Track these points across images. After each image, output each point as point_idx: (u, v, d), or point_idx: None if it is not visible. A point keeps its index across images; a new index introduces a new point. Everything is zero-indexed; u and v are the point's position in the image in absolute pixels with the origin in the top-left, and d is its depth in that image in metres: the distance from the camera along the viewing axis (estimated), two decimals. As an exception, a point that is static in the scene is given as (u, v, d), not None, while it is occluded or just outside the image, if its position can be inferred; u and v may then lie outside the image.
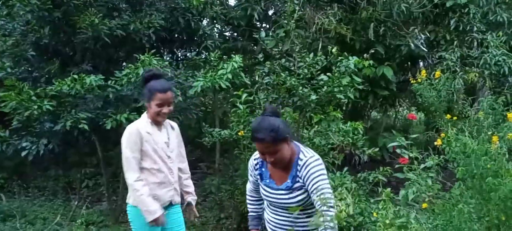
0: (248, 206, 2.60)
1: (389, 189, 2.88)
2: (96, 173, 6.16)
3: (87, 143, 5.65)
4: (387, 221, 2.41)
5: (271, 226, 2.43)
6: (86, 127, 4.21)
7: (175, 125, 3.11)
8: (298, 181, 2.26)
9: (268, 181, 2.35)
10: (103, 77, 4.36)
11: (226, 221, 5.13)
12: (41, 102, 4.16)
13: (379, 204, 2.75)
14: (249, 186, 2.57)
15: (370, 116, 8.49)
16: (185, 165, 3.16)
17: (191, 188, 3.17)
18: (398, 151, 3.75)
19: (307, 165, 2.23)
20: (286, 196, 2.29)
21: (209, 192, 5.56)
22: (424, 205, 2.56)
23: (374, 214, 3.12)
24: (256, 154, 2.39)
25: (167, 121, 3.02)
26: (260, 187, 2.41)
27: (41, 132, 4.52)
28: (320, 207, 2.09)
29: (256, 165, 2.41)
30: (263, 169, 2.38)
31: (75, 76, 4.23)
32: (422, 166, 3.22)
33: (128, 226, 5.13)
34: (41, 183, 6.30)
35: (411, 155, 3.36)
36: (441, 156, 2.63)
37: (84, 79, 4.17)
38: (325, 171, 2.26)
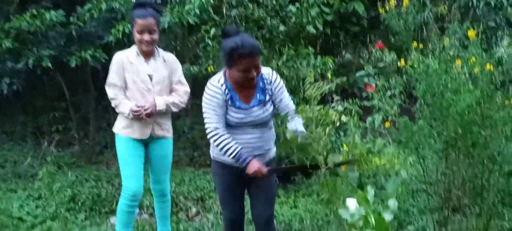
0: (230, 144, 2.32)
1: (357, 117, 2.93)
2: (66, 118, 6.07)
3: (53, 85, 5.52)
4: (355, 147, 2.47)
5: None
6: (49, 64, 4.09)
7: (170, 56, 3.00)
8: (269, 94, 2.40)
9: (238, 103, 2.34)
10: (65, 14, 4.20)
11: (199, 159, 5.19)
12: (1, 40, 4.00)
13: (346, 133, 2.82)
14: (218, 123, 2.33)
15: (342, 54, 8.53)
16: (180, 90, 2.98)
17: (168, 96, 2.95)
18: (365, 79, 3.80)
19: (275, 77, 2.42)
20: (260, 111, 2.37)
21: (181, 132, 5.57)
22: (387, 124, 2.62)
23: (344, 146, 3.20)
24: (218, 80, 2.33)
25: (162, 52, 2.96)
26: (228, 113, 2.34)
27: (2, 71, 4.38)
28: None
29: (225, 90, 2.32)
30: (231, 92, 2.34)
31: (35, 12, 4.06)
32: (388, 93, 3.28)
33: (100, 166, 5.18)
34: (9, 128, 6.17)
35: (378, 83, 3.41)
36: (404, 76, 2.66)
37: (44, 15, 4.01)
38: None
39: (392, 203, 1.24)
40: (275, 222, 3.39)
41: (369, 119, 3.45)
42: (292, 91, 3.80)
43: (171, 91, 2.97)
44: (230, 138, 2.33)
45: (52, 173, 4.19)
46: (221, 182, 2.53)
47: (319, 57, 4.16)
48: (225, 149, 2.32)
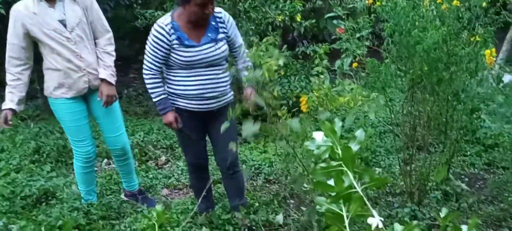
0: (158, 89, 2.36)
1: (326, 60, 2.90)
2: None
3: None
4: (321, 90, 2.45)
5: (192, 92, 2.36)
6: (2, 11, 3.84)
7: None
8: (223, 32, 2.37)
9: (187, 41, 2.29)
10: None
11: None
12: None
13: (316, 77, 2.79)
14: (152, 67, 2.32)
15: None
16: (101, 39, 2.68)
17: (104, 62, 2.66)
18: (334, 21, 3.73)
19: (228, 17, 2.41)
20: (212, 49, 2.33)
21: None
22: (354, 65, 2.60)
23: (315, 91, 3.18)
24: (164, 21, 2.29)
25: None
26: (176, 53, 2.29)
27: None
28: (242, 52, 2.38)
29: (171, 30, 2.27)
30: (179, 32, 2.29)
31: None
32: (358, 35, 3.24)
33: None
34: (-33, 82, 5.87)
35: (348, 24, 3.36)
36: (372, 15, 2.63)
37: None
38: None
39: (359, 133, 1.21)
40: (244, 166, 3.44)
41: (338, 62, 3.44)
42: (261, 36, 3.72)
43: (95, 38, 2.66)
44: (160, 82, 2.37)
45: (14, 125, 4.04)
46: (180, 128, 2.50)
47: (288, 0, 4.07)
48: (151, 91, 2.39)
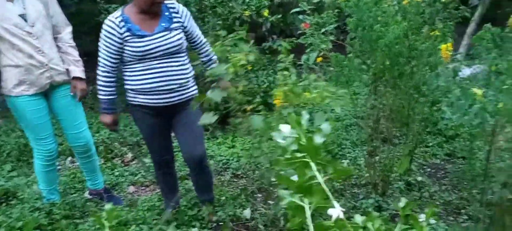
0: (106, 89, 2.35)
1: (292, 55, 2.92)
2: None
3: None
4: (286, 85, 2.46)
5: (150, 86, 2.33)
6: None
7: None
8: (177, 22, 2.36)
9: (139, 33, 2.27)
10: None
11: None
12: None
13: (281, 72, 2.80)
14: (106, 63, 2.31)
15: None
16: (63, 33, 2.65)
17: (73, 57, 2.64)
18: (300, 17, 3.77)
19: (182, 8, 2.42)
20: (165, 38, 2.31)
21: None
22: (319, 59, 2.63)
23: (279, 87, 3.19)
24: (114, 15, 2.29)
25: None
26: (129, 45, 2.26)
27: None
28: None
29: (120, 23, 2.26)
30: (130, 24, 2.26)
31: None
32: (323, 29, 3.28)
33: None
34: None
35: (313, 20, 3.39)
36: (336, 10, 2.66)
37: None
38: None
39: (325, 126, 1.22)
40: (212, 162, 3.43)
41: (304, 57, 3.48)
42: (228, 31, 3.71)
43: (57, 32, 2.61)
44: (112, 82, 2.36)
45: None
46: (143, 125, 2.47)
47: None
48: (100, 88, 2.39)
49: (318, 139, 1.22)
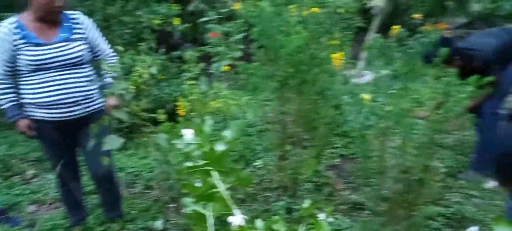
0: (4, 97, 2.24)
1: (201, 64, 2.94)
2: None
3: None
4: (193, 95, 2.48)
5: (49, 99, 2.22)
6: None
7: None
8: (77, 33, 2.27)
9: (35, 41, 2.16)
10: None
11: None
12: None
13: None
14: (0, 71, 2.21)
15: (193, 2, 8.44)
16: None
17: None
18: (210, 26, 3.80)
19: (84, 18, 2.34)
20: (65, 48, 2.21)
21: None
22: (226, 68, 2.69)
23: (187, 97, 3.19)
24: (9, 21, 2.18)
25: None
26: (24, 54, 2.14)
27: None
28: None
29: (15, 29, 2.14)
30: (25, 31, 2.16)
31: None
32: (232, 38, 3.35)
33: None
34: None
35: (223, 29, 3.45)
36: (240, 20, 2.74)
37: None
38: None
39: (228, 133, 1.25)
40: (122, 174, 3.32)
41: (214, 65, 3.52)
42: (138, 40, 3.63)
43: None
44: (8, 88, 2.23)
45: None
46: (44, 139, 2.34)
47: (165, 4, 4.03)
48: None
49: (220, 147, 1.26)
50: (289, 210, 2.85)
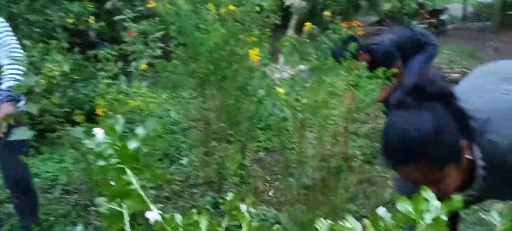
0: None
1: (122, 63, 2.87)
2: None
3: None
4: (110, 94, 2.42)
5: None
6: None
7: None
8: None
9: None
10: None
11: None
12: None
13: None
14: None
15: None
16: None
17: None
18: (126, 24, 3.72)
19: None
20: None
21: None
22: (144, 66, 2.66)
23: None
24: None
25: None
26: None
27: None
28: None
29: None
30: None
31: None
32: (151, 37, 3.30)
33: None
34: None
35: (139, 27, 3.39)
36: (157, 18, 2.72)
37: None
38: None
39: (140, 131, 1.25)
40: (38, 179, 3.14)
41: (133, 64, 3.45)
42: (49, 38, 3.44)
43: None
44: None
45: None
46: None
47: (77, 2, 3.86)
48: None
49: (132, 145, 1.26)
50: (215, 205, 2.89)
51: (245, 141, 3.33)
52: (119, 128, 1.31)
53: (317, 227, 1.02)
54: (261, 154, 3.99)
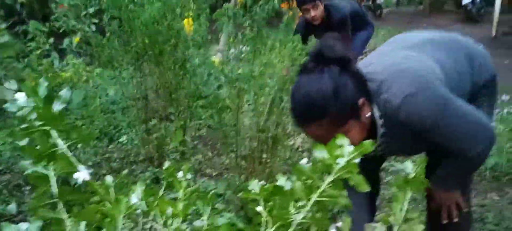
0: None
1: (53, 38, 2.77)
2: None
3: None
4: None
5: None
6: None
7: None
8: None
9: None
10: None
11: None
12: None
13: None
14: None
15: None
16: None
17: None
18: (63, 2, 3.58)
19: None
20: None
21: None
22: (76, 40, 2.60)
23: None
24: None
25: None
26: None
27: None
28: None
29: None
30: None
31: None
32: (84, 12, 3.20)
33: None
34: None
35: (72, 2, 3.28)
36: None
37: None
38: None
39: (64, 92, 1.24)
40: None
41: (66, 40, 3.35)
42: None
43: None
44: None
45: None
46: None
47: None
48: None
49: (57, 106, 1.25)
50: (156, 180, 2.90)
51: (185, 118, 3.35)
52: (42, 90, 1.30)
53: (251, 188, 1.08)
54: (203, 131, 4.02)
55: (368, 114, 1.26)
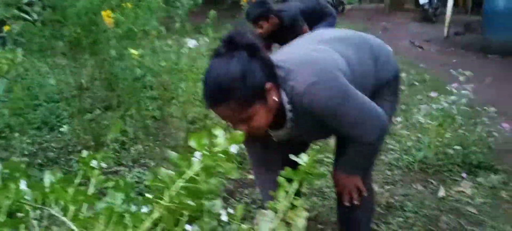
0: None
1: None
2: None
3: None
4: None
5: None
6: None
7: None
8: None
9: None
10: None
11: None
12: None
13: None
14: None
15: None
16: None
17: None
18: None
19: None
20: None
21: None
22: (6, 28, 2.59)
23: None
24: None
25: None
26: None
27: None
28: None
29: None
30: None
31: None
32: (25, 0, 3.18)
33: None
34: None
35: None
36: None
37: None
38: None
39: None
40: None
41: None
42: None
43: None
44: None
45: None
46: None
47: None
48: None
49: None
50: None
51: (126, 108, 3.37)
52: None
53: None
54: (148, 121, 4.04)
55: (275, 98, 1.35)
